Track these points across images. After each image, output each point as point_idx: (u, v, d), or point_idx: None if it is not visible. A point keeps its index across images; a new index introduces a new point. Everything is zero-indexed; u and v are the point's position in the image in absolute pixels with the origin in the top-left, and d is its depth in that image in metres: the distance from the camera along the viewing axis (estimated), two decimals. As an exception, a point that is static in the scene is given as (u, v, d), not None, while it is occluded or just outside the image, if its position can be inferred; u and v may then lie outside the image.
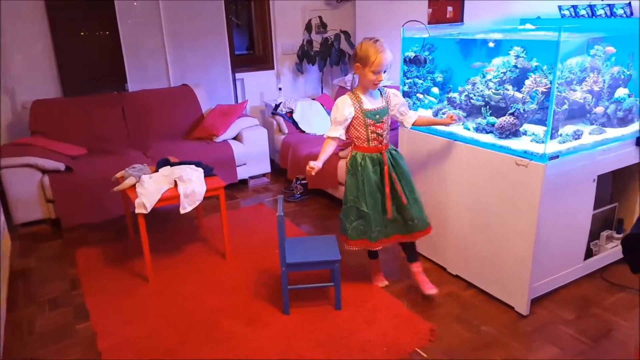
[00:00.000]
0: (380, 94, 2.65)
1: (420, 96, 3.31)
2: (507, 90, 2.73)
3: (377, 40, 2.49)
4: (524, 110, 2.63)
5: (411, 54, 3.21)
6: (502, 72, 2.80)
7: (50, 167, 3.90)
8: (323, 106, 5.23)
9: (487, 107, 2.82)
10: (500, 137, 2.67)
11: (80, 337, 2.63)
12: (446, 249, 3.06)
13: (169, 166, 3.31)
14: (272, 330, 2.60)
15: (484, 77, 2.91)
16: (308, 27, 5.58)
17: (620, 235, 3.06)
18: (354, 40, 5.59)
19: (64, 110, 4.48)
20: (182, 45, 5.10)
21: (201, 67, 5.26)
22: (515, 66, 2.76)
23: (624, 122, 2.80)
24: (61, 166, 3.94)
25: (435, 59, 3.33)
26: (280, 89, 5.61)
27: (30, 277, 3.32)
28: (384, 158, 2.62)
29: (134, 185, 3.13)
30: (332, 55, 5.48)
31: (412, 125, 2.76)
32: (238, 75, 5.54)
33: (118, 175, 3.29)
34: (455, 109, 3.06)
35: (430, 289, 2.79)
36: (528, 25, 2.94)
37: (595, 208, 2.84)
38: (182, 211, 3.07)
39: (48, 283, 3.21)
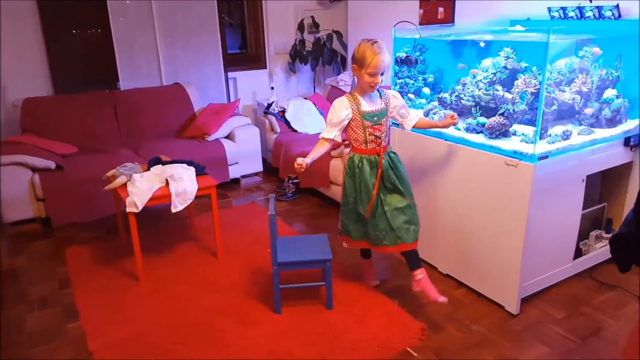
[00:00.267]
0: (380, 95, 2.59)
1: (412, 96, 3.32)
2: (497, 90, 2.75)
3: (375, 42, 2.44)
4: (513, 110, 2.65)
5: (402, 55, 3.22)
6: (492, 73, 2.82)
7: (40, 166, 3.87)
8: (315, 105, 5.24)
9: (477, 107, 2.84)
10: (490, 137, 2.69)
11: (70, 337, 2.61)
12: (437, 248, 3.08)
13: (160, 165, 3.30)
14: (264, 329, 2.61)
15: (474, 77, 2.93)
16: (300, 27, 5.59)
17: (609, 235, 3.09)
18: (346, 40, 5.60)
19: (55, 109, 4.45)
20: (174, 44, 5.09)
21: (193, 65, 5.25)
22: (505, 67, 2.78)
23: (612, 122, 2.83)
24: (52, 164, 3.91)
25: (426, 59, 3.34)
26: (272, 88, 5.62)
27: (19, 276, 3.29)
28: (381, 161, 2.56)
29: (125, 184, 3.11)
30: (325, 55, 5.49)
31: (413, 127, 2.70)
32: (230, 74, 5.53)
33: (109, 173, 3.28)
34: (445, 109, 3.07)
35: (441, 297, 2.58)
36: (518, 27, 2.95)
37: (584, 208, 2.87)
38: (173, 210, 3.06)
39: (38, 282, 3.19)
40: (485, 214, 2.70)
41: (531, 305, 2.72)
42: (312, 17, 5.60)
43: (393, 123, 2.83)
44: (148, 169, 3.28)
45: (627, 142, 2.85)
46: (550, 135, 2.60)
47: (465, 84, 2.98)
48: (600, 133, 2.77)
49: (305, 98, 5.40)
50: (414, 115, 2.69)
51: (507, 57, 2.80)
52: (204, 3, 5.10)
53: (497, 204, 2.62)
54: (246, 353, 2.43)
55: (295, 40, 5.62)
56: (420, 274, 2.62)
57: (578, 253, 2.98)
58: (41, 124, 4.35)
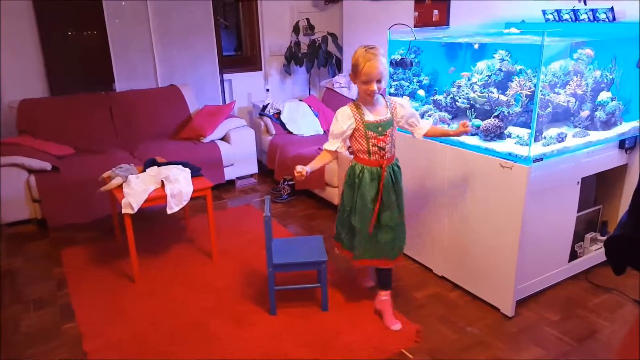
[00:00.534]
0: (387, 104, 2.47)
1: (407, 98, 3.32)
2: (492, 93, 2.75)
3: (371, 48, 2.32)
4: (508, 112, 2.66)
5: (397, 57, 3.23)
6: (486, 75, 2.83)
7: (36, 167, 3.86)
8: (310, 107, 5.24)
9: (472, 109, 2.85)
10: (485, 140, 2.70)
11: (66, 338, 2.61)
12: (432, 250, 3.08)
13: (156, 166, 3.30)
14: (259, 330, 2.60)
15: (469, 80, 2.94)
16: (296, 29, 5.59)
17: (604, 237, 3.10)
18: (341, 43, 5.61)
19: (51, 110, 4.45)
20: (170, 46, 5.08)
21: (189, 67, 5.25)
22: (500, 69, 2.79)
23: (607, 125, 2.84)
24: (48, 166, 3.90)
25: (421, 61, 3.35)
26: (268, 90, 5.61)
27: (16, 277, 3.29)
28: (384, 174, 2.44)
29: (120, 186, 3.11)
30: (320, 57, 5.50)
31: (425, 136, 2.57)
32: (226, 76, 5.53)
33: (105, 175, 3.28)
34: (440, 111, 3.08)
35: (395, 324, 2.59)
36: (513, 29, 2.97)
37: (579, 210, 2.88)
38: (169, 211, 3.05)
39: (34, 283, 3.18)
40: (480, 216, 2.70)
41: (526, 308, 2.73)
42: (308, 19, 5.61)
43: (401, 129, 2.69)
44: (144, 171, 3.27)
45: (622, 144, 2.86)
46: (545, 138, 2.61)
47: (460, 86, 2.99)
48: (595, 135, 2.78)
49: (301, 100, 5.40)
50: (425, 124, 2.57)
51: (502, 60, 2.81)
52: (199, 5, 5.10)
53: (492, 206, 2.62)
54: (241, 354, 2.42)
55: (291, 42, 5.62)
56: (385, 296, 2.65)
57: (573, 255, 2.99)
58: (37, 125, 4.34)
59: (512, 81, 2.71)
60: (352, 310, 2.74)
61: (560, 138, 2.63)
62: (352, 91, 5.09)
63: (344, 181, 2.58)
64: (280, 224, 3.94)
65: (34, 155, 3.90)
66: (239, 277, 3.15)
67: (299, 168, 2.43)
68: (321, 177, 4.08)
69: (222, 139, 4.81)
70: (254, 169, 5.00)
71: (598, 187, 3.10)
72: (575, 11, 2.92)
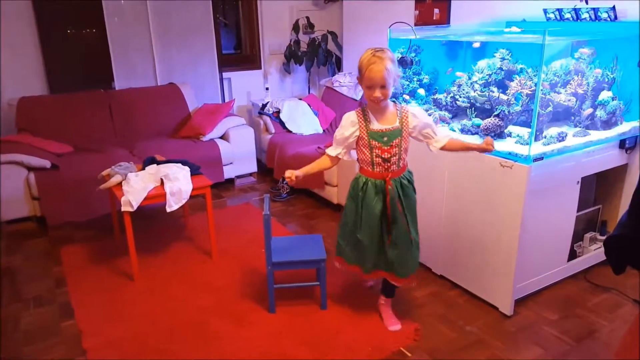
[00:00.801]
0: (397, 112, 2.27)
1: (407, 97, 3.32)
2: (493, 92, 2.75)
3: (379, 50, 2.15)
4: (508, 112, 2.66)
5: (398, 56, 3.22)
6: (487, 74, 2.82)
7: (36, 165, 3.86)
8: (310, 106, 5.23)
9: (473, 108, 2.85)
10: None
11: (65, 336, 2.60)
12: (431, 249, 3.07)
13: (155, 164, 3.29)
14: (258, 329, 2.60)
15: (469, 79, 2.94)
16: (295, 28, 5.58)
17: (604, 237, 3.10)
18: (340, 41, 5.60)
19: (51, 108, 4.44)
20: (169, 44, 5.07)
21: (188, 66, 5.24)
22: (501, 68, 2.79)
23: (607, 124, 2.84)
24: (47, 164, 3.90)
25: (421, 60, 3.35)
26: (267, 88, 5.60)
27: (15, 274, 3.28)
28: (388, 187, 2.28)
29: (120, 184, 3.11)
30: (319, 56, 5.49)
31: (443, 149, 2.35)
32: (225, 75, 5.52)
33: (104, 173, 3.27)
34: (441, 110, 3.08)
35: (394, 325, 2.58)
36: (514, 28, 2.96)
37: (579, 210, 2.87)
38: (168, 209, 3.05)
39: (33, 281, 3.18)
40: (480, 215, 2.70)
41: (525, 307, 2.72)
42: (307, 18, 5.60)
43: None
44: (143, 169, 3.26)
45: (622, 144, 2.86)
46: (545, 137, 2.61)
47: (461, 85, 2.98)
48: (596, 135, 2.78)
49: (300, 99, 5.39)
50: (443, 136, 2.32)
51: (503, 59, 2.80)
52: (198, 3, 5.09)
53: (492, 205, 2.62)
54: (240, 353, 2.42)
55: (290, 41, 5.61)
56: (384, 301, 2.63)
57: (572, 255, 2.98)
58: (36, 123, 4.33)
59: (512, 80, 2.70)
60: (351, 308, 2.74)
61: (561, 137, 2.62)
62: (352, 90, 5.08)
63: (347, 193, 2.44)
64: (279, 223, 3.94)
65: (34, 153, 3.90)
66: (238, 275, 3.14)
67: (287, 173, 2.36)
68: (320, 176, 4.08)
69: (222, 137, 4.80)
70: (253, 167, 4.99)
71: (598, 186, 3.09)
72: (576, 10, 2.92)
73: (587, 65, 2.84)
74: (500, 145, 2.59)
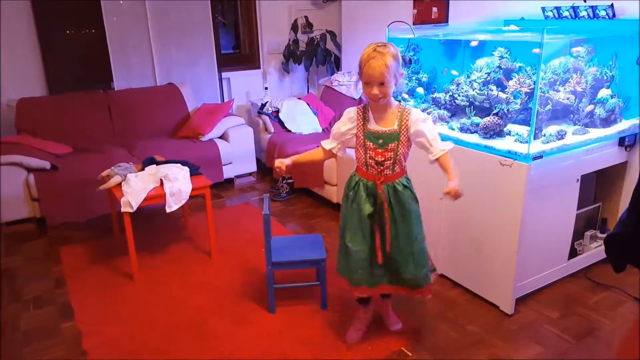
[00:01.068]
0: (398, 114, 2.13)
1: (406, 96, 3.32)
2: (492, 90, 2.75)
3: (380, 45, 2.02)
4: (507, 110, 2.66)
5: (397, 54, 3.22)
6: (486, 73, 2.82)
7: (35, 166, 3.86)
8: (309, 105, 5.22)
9: (472, 107, 2.84)
10: (484, 137, 2.69)
11: (64, 336, 2.60)
12: (431, 248, 3.05)
13: (154, 165, 3.29)
14: (258, 329, 2.60)
15: (468, 77, 2.93)
16: (294, 27, 5.58)
17: (604, 235, 3.10)
18: (339, 40, 5.60)
19: (50, 109, 4.44)
20: (168, 44, 5.07)
21: (187, 66, 5.24)
22: (499, 67, 2.78)
23: (607, 122, 2.84)
24: (46, 165, 3.90)
25: (420, 59, 3.34)
26: (266, 88, 5.60)
27: (15, 275, 3.28)
28: (378, 191, 2.16)
29: (119, 184, 3.11)
30: (318, 55, 5.49)
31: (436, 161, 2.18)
32: (224, 75, 5.52)
33: (104, 173, 3.27)
34: (440, 109, 3.07)
35: (395, 325, 2.56)
36: (512, 27, 2.96)
37: (579, 208, 2.87)
38: (167, 210, 3.05)
39: (33, 281, 3.18)
40: (480, 214, 2.70)
41: (526, 305, 2.72)
42: (306, 17, 5.59)
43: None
44: (142, 169, 3.26)
45: (621, 142, 2.86)
46: (544, 135, 2.60)
47: (459, 83, 2.98)
48: (595, 133, 2.77)
49: (299, 98, 5.39)
50: (438, 150, 2.14)
51: (501, 57, 2.80)
52: (197, 3, 5.09)
53: (492, 203, 2.62)
54: (240, 352, 2.42)
55: (289, 40, 5.61)
56: (384, 302, 2.59)
57: (573, 253, 2.98)
58: (36, 124, 4.33)
59: (511, 78, 2.70)
60: (351, 308, 2.74)
61: (560, 135, 2.62)
62: (351, 89, 5.08)
63: (343, 194, 2.33)
64: (279, 222, 3.94)
65: (33, 154, 3.90)
66: (237, 275, 3.14)
67: (277, 162, 2.26)
68: (320, 175, 4.08)
69: (221, 137, 4.80)
70: (252, 167, 4.99)
71: (598, 184, 3.09)
72: (575, 8, 2.92)
73: (585, 63, 2.84)
74: (499, 143, 2.59)
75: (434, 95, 3.15)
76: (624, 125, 2.87)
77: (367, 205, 2.19)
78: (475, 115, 2.81)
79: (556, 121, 2.83)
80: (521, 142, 2.55)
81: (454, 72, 3.00)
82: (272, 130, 5.05)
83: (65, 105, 4.50)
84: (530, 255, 2.63)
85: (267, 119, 5.11)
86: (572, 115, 2.87)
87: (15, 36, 4.44)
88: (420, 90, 3.31)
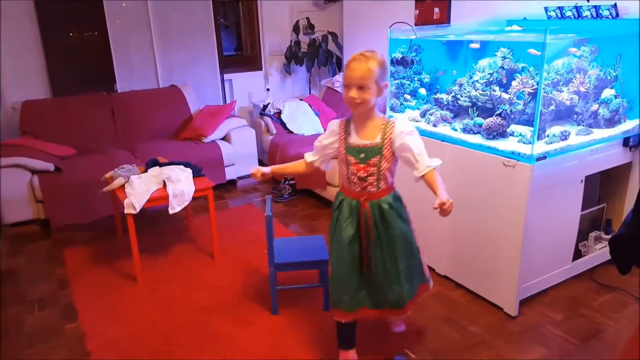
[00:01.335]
0: (382, 126, 1.99)
1: (408, 97, 3.31)
2: (494, 91, 2.74)
3: (368, 51, 1.93)
4: (510, 111, 2.64)
5: (398, 55, 3.21)
6: (488, 73, 2.81)
7: (39, 168, 3.87)
8: (311, 107, 5.22)
9: (474, 108, 2.83)
10: (487, 138, 2.68)
11: (68, 337, 2.61)
12: (434, 249, 3.06)
13: (157, 166, 3.30)
14: (260, 330, 2.59)
15: (470, 78, 2.92)
16: (296, 28, 5.58)
17: (609, 236, 3.08)
18: (341, 42, 5.59)
19: (54, 111, 4.45)
20: (170, 46, 5.08)
21: (189, 67, 5.24)
22: (502, 67, 2.77)
23: (611, 123, 2.82)
24: (50, 166, 3.91)
25: (422, 60, 3.33)
26: (268, 89, 5.60)
27: (19, 276, 3.30)
28: (362, 210, 2.02)
29: (123, 186, 3.11)
30: (320, 56, 5.48)
31: (422, 179, 2.01)
32: (226, 76, 5.52)
33: (107, 175, 3.28)
34: (442, 109, 3.06)
35: (398, 327, 2.50)
36: (515, 27, 2.95)
37: (583, 209, 2.85)
38: (170, 211, 3.05)
39: (37, 283, 3.19)
40: (483, 215, 2.69)
41: (530, 307, 2.71)
42: (308, 19, 5.59)
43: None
44: (145, 171, 3.27)
45: (626, 142, 2.84)
46: (548, 136, 2.59)
47: (462, 84, 2.97)
48: (599, 133, 2.76)
49: (301, 99, 5.39)
50: (424, 166, 1.97)
51: (504, 57, 2.79)
52: (199, 5, 5.09)
53: (495, 205, 2.61)
54: (242, 354, 2.41)
55: (291, 42, 5.61)
56: None
57: (577, 254, 2.97)
58: (40, 126, 4.34)
59: (514, 79, 2.69)
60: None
61: (564, 136, 2.61)
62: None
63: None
64: (281, 224, 3.93)
65: (37, 156, 3.91)
66: (240, 276, 3.13)
67: (252, 170, 2.27)
68: (322, 176, 4.07)
69: (223, 138, 4.80)
70: (254, 167, 4.98)
71: (602, 185, 3.08)
72: (578, 8, 2.90)
73: (589, 64, 2.82)
74: (502, 144, 2.58)
75: (436, 96, 3.14)
76: (628, 125, 2.86)
77: (348, 228, 2.05)
78: (478, 116, 2.79)
79: (560, 122, 2.82)
80: (524, 142, 2.54)
81: (454, 73, 2.98)
82: (274, 131, 5.05)
83: (68, 107, 4.51)
84: (534, 256, 2.62)
85: (269, 120, 5.11)
86: (575, 116, 2.86)
87: (19, 39, 4.45)
88: (422, 91, 3.30)
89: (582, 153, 2.65)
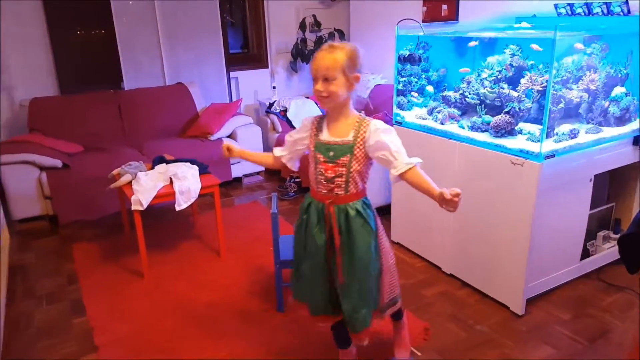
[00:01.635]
0: (355, 123, 1.82)
1: (415, 94, 3.30)
2: (503, 88, 2.72)
3: (340, 43, 1.85)
4: (519, 108, 2.62)
5: (405, 52, 3.20)
6: (497, 71, 2.79)
7: (47, 164, 3.90)
8: (317, 104, 5.21)
9: (483, 105, 2.81)
10: (495, 136, 2.66)
11: (76, 332, 2.63)
12: (440, 248, 3.05)
13: (164, 163, 3.31)
14: (266, 327, 2.59)
15: (479, 75, 2.91)
16: (302, 26, 5.57)
17: (617, 236, 3.05)
18: (348, 39, 5.59)
19: (61, 108, 4.48)
20: (177, 44, 5.09)
21: (196, 65, 5.25)
22: (511, 64, 2.75)
23: (621, 121, 2.80)
24: (58, 163, 3.93)
25: (429, 57, 3.32)
26: (274, 87, 5.60)
27: (28, 272, 3.32)
28: (327, 214, 1.86)
29: (130, 182, 3.13)
30: (327, 54, 5.46)
31: (402, 178, 1.81)
32: (232, 74, 5.52)
33: (114, 172, 3.30)
34: (450, 107, 3.05)
35: (401, 354, 2.27)
36: (524, 24, 2.93)
37: (591, 208, 2.83)
38: (177, 208, 3.06)
39: (45, 278, 3.21)
40: (491, 213, 2.67)
41: (537, 306, 2.69)
42: (314, 16, 5.58)
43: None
44: (152, 168, 3.28)
45: (636, 141, 2.81)
46: (557, 134, 2.57)
47: (470, 81, 2.95)
48: (609, 132, 2.73)
49: (307, 97, 5.38)
50: (403, 164, 1.77)
51: (513, 55, 2.77)
52: (206, 3, 5.10)
53: (503, 203, 2.59)
54: (248, 351, 2.41)
55: (297, 39, 5.60)
56: (394, 326, 2.30)
57: (585, 254, 2.94)
58: (48, 123, 4.37)
59: (523, 76, 2.66)
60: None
61: (573, 134, 2.58)
62: (359, 89, 5.06)
63: None
64: (286, 221, 3.93)
65: (46, 152, 3.94)
66: (246, 273, 3.14)
67: (226, 142, 2.06)
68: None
69: (229, 136, 4.81)
70: (260, 166, 4.99)
71: (611, 184, 3.05)
72: (588, 5, 2.88)
73: (599, 61, 2.79)
74: (511, 142, 2.56)
75: (444, 94, 3.13)
76: (638, 123, 2.83)
77: (318, 234, 1.89)
78: (486, 113, 2.78)
79: (569, 120, 2.79)
80: (533, 140, 2.52)
81: (464, 70, 2.97)
82: (280, 129, 5.05)
83: (76, 104, 4.53)
84: (541, 255, 2.60)
85: (275, 118, 5.11)
86: (585, 114, 2.83)
87: (28, 37, 4.48)
88: (429, 88, 3.29)
89: (591, 151, 2.62)
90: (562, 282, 2.85)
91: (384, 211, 3.54)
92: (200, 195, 3.17)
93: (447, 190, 1.65)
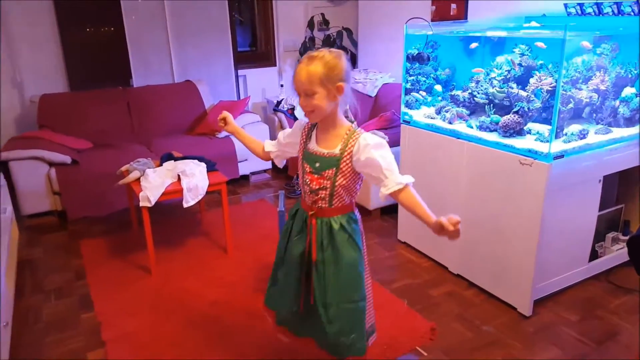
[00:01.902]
0: (345, 137, 1.69)
1: (424, 93, 3.29)
2: (512, 88, 2.70)
3: (317, 52, 1.65)
4: (528, 108, 2.61)
5: (414, 51, 3.19)
6: (506, 70, 2.78)
7: (57, 160, 3.93)
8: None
9: (491, 105, 2.80)
10: (504, 136, 2.65)
11: (84, 327, 2.65)
12: (447, 247, 3.04)
13: (172, 160, 3.32)
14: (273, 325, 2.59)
15: (487, 74, 2.89)
16: (310, 24, 5.57)
17: (626, 237, 3.03)
18: (356, 37, 5.57)
19: (71, 105, 4.51)
20: (186, 42, 5.12)
21: (204, 63, 5.27)
22: (520, 64, 2.74)
23: (631, 122, 2.77)
24: (67, 159, 3.96)
25: (438, 56, 3.31)
26: (282, 85, 5.61)
27: (36, 267, 3.35)
28: (309, 225, 1.78)
29: (138, 179, 3.15)
30: (335, 52, 5.46)
31: (394, 197, 1.67)
32: (240, 72, 5.54)
33: (123, 168, 3.32)
34: (458, 106, 3.04)
35: None
36: (533, 23, 2.91)
37: (600, 209, 2.81)
38: (185, 205, 3.07)
39: (54, 273, 3.24)
40: (499, 213, 2.66)
41: (544, 307, 2.68)
42: (322, 14, 5.58)
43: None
44: (160, 165, 3.30)
45: (645, 141, 2.79)
46: (566, 134, 2.55)
47: (479, 81, 2.94)
48: (618, 132, 2.71)
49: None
50: (394, 183, 1.63)
51: (522, 54, 2.75)
52: (215, 2, 5.13)
53: (511, 203, 2.58)
54: (255, 348, 2.42)
55: (305, 38, 5.60)
56: None
57: (594, 255, 2.92)
58: (57, 120, 4.40)
59: (532, 76, 2.65)
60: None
61: (582, 135, 2.57)
62: (367, 87, 5.05)
63: None
64: (294, 220, 3.93)
65: (55, 148, 3.96)
66: (253, 270, 3.14)
67: (223, 114, 2.00)
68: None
69: (237, 134, 4.81)
70: (267, 164, 5.00)
71: (620, 185, 3.03)
72: (599, 4, 2.85)
73: (609, 61, 2.77)
74: (519, 142, 2.55)
75: (452, 93, 3.12)
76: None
77: (297, 244, 1.83)
78: (494, 113, 2.76)
79: (578, 120, 2.78)
80: (542, 141, 2.50)
81: (477, 70, 2.96)
82: (288, 127, 5.04)
83: (85, 101, 4.56)
84: (549, 256, 2.59)
85: (282, 116, 5.11)
86: (594, 114, 2.81)
87: (38, 34, 4.52)
88: (438, 87, 3.28)
89: (600, 152, 2.61)
90: (570, 284, 2.83)
91: (391, 211, 3.54)
92: (207, 193, 3.18)
93: (445, 220, 1.50)
